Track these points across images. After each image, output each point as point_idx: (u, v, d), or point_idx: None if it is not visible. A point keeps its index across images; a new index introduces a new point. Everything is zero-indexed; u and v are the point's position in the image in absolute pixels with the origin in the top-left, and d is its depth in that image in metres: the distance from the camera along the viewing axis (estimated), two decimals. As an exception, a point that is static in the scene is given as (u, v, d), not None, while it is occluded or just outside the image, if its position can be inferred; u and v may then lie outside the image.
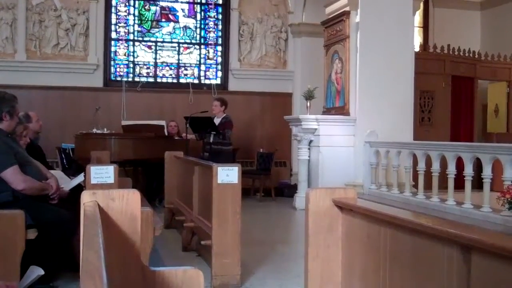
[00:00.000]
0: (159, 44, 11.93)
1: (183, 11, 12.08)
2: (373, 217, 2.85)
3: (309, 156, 9.48)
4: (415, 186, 8.25)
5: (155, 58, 11.89)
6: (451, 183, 7.17)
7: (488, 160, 6.49)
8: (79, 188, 4.81)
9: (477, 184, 7.35)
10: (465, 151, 6.95)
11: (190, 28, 12.09)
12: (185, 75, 12.02)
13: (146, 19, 11.90)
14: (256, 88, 11.91)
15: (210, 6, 12.19)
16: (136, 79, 11.70)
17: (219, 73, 12.16)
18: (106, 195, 2.30)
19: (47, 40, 10.96)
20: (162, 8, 11.97)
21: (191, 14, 12.12)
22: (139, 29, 11.85)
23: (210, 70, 12.16)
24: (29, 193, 4.31)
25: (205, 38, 12.16)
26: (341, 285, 3.21)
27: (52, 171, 5.18)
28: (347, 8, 9.35)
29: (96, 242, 1.61)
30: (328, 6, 10.09)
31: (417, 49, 10.55)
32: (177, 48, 12.01)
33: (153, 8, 11.91)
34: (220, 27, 12.19)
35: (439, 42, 11.23)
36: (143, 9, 11.86)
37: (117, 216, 2.30)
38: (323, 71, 10.19)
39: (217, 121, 8.86)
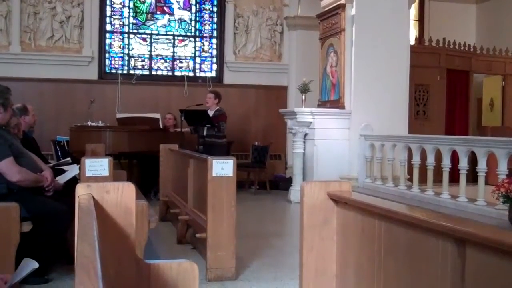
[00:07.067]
0: (154, 36, 11.89)
1: (178, 4, 12.03)
2: (367, 210, 2.85)
3: (304, 149, 9.48)
4: (410, 179, 8.26)
5: (150, 51, 11.85)
6: (446, 177, 7.19)
7: (482, 153, 6.51)
8: (74, 181, 4.81)
9: (472, 177, 7.38)
10: (460, 144, 6.97)
11: (185, 21, 12.05)
12: (180, 67, 11.99)
13: (141, 12, 11.86)
14: (251, 81, 11.89)
15: (205, -2, 12.15)
16: (131, 71, 11.67)
17: (214, 66, 12.14)
18: (101, 187, 2.29)
19: (42, 32, 10.91)
20: (157, 0, 11.92)
21: (186, 7, 12.08)
22: (134, 21, 11.80)
23: (205, 63, 12.13)
24: (23, 185, 4.30)
25: (200, 30, 12.12)
26: (336, 278, 3.21)
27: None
28: (342, 1, 9.33)
29: (90, 235, 1.60)
30: (324, -1, 10.08)
31: (412, 42, 10.54)
32: (172, 40, 11.97)
33: (148, 0, 11.87)
34: (215, 19, 12.15)
35: (434, 36, 11.24)
36: (138, 2, 11.81)
37: (111, 209, 2.29)
38: (318, 64, 10.17)
39: (210, 113, 8.85)
